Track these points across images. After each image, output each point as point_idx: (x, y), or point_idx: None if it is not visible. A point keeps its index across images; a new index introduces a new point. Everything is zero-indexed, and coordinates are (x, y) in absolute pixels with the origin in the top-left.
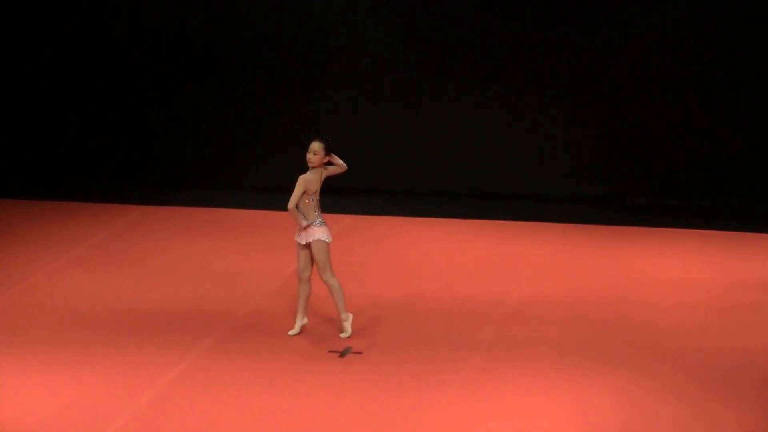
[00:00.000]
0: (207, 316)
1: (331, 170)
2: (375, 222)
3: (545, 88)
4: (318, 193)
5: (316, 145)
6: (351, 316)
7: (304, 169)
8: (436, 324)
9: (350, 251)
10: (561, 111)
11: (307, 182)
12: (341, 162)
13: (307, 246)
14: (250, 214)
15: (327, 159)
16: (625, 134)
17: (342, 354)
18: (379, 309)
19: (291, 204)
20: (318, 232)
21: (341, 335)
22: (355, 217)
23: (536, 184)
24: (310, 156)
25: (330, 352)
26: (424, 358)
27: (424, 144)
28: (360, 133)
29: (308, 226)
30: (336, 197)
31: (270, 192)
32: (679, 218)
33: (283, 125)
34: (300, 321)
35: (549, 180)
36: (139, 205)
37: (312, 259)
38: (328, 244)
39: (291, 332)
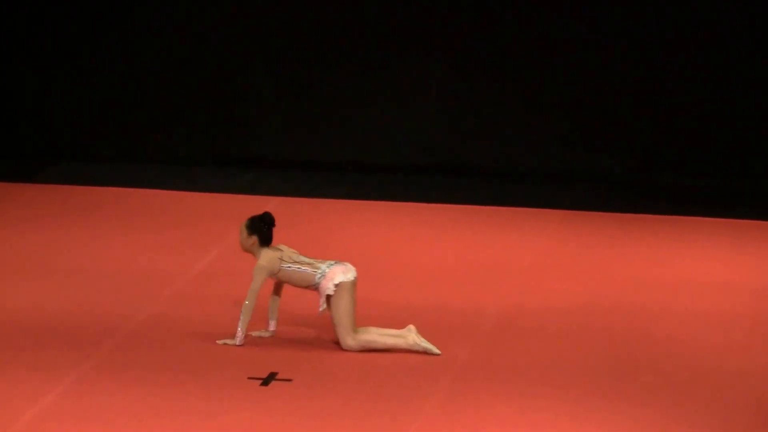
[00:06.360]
0: (87, 330)
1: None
2: (310, 206)
3: (535, 38)
4: (293, 257)
5: (240, 226)
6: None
7: (219, 136)
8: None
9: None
10: (558, 64)
11: (265, 267)
12: None
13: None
14: (145, 194)
15: (251, 241)
16: (643, 94)
17: (265, 382)
18: (316, 322)
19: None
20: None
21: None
22: (284, 200)
23: (527, 158)
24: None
25: (250, 379)
26: (375, 386)
27: (378, 104)
28: (289, 88)
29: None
30: (259, 173)
31: (172, 165)
32: (715, 203)
33: (192, 82)
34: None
35: (544, 153)
36: None
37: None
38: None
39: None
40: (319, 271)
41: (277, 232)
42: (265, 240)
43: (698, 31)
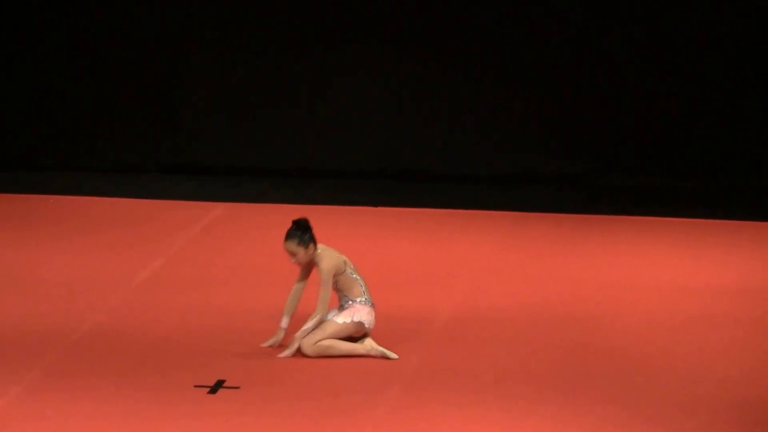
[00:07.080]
0: (30, 340)
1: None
2: (256, 211)
3: (485, 41)
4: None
5: (289, 246)
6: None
7: (163, 143)
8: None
9: (223, 251)
10: (512, 67)
11: (332, 269)
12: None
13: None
14: (88, 202)
15: (311, 250)
16: (597, 96)
17: (212, 390)
18: (263, 327)
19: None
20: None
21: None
22: (230, 206)
23: (478, 161)
24: (293, 261)
25: (197, 387)
26: (324, 392)
27: (325, 109)
28: (233, 96)
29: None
30: (204, 180)
31: (112, 173)
32: (668, 204)
33: (135, 89)
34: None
35: (495, 156)
36: None
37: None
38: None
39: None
40: (364, 297)
41: (222, 240)
42: (316, 240)
43: (652, 36)
